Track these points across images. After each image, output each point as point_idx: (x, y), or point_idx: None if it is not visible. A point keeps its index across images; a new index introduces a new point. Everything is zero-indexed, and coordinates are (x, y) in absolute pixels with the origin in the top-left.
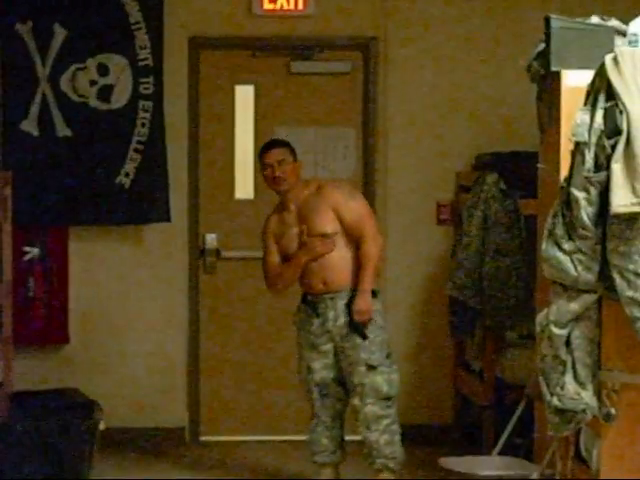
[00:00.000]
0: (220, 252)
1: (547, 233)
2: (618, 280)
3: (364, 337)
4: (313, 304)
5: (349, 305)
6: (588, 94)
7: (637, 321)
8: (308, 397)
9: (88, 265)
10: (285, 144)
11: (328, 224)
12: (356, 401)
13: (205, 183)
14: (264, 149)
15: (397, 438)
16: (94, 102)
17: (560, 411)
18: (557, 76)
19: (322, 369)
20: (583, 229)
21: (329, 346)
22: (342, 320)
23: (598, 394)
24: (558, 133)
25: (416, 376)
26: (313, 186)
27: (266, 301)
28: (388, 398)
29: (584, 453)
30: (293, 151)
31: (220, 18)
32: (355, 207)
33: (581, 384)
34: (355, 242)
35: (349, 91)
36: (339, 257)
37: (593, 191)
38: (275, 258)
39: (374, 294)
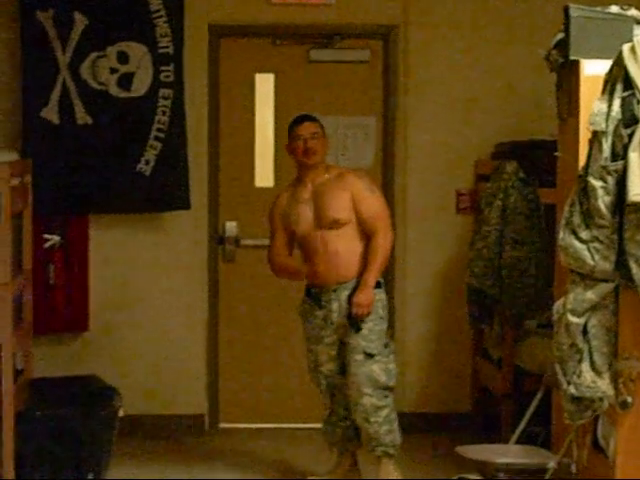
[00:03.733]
0: (239, 240)
1: (564, 222)
2: (635, 269)
3: (357, 329)
4: (316, 295)
5: (351, 296)
6: (606, 83)
7: None
8: (319, 390)
9: (108, 253)
10: (317, 119)
11: (342, 211)
12: (353, 392)
13: (225, 171)
14: (297, 121)
15: (396, 425)
16: (114, 90)
17: (577, 399)
18: (576, 65)
19: (328, 361)
20: (600, 218)
21: (334, 338)
22: (347, 312)
23: (615, 382)
24: (577, 122)
25: (435, 364)
26: (334, 171)
27: (285, 289)
28: (386, 388)
29: (601, 441)
30: (323, 128)
31: (240, 6)
32: (373, 202)
33: (598, 372)
34: (366, 235)
35: (369, 79)
36: (347, 249)
37: (610, 180)
38: (281, 243)
39: (378, 285)
